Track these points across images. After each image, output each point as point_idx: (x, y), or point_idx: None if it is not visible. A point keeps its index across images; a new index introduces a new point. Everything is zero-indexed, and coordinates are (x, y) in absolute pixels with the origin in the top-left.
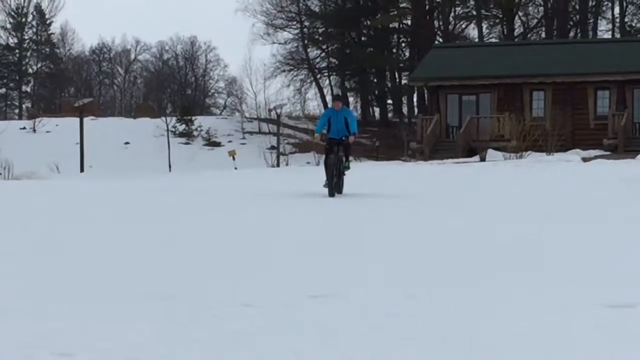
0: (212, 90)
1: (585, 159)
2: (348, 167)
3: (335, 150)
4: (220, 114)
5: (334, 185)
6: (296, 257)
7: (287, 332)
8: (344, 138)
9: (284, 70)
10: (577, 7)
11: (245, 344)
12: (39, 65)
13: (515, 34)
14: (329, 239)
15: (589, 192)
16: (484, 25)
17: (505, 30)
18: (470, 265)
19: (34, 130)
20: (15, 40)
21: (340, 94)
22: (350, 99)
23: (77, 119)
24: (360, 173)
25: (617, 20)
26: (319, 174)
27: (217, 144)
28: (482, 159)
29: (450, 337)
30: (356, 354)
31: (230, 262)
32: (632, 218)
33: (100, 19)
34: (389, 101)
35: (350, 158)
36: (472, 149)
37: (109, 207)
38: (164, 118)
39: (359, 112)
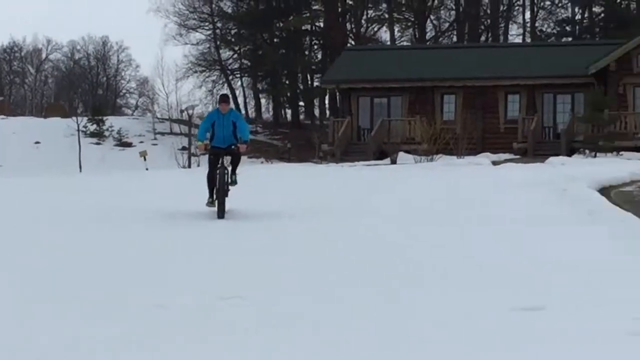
0: (124, 91)
1: (495, 163)
2: (234, 182)
3: (222, 161)
4: (132, 114)
5: (223, 204)
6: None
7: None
8: (232, 147)
9: (195, 71)
10: (489, 11)
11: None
12: None
13: (427, 37)
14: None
15: (493, 194)
16: (396, 28)
17: (417, 33)
18: (370, 268)
19: None
20: None
21: (228, 94)
22: (263, 101)
23: None
24: (264, 177)
25: (528, 24)
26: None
27: (129, 145)
28: (393, 162)
29: (347, 337)
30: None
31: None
32: (532, 221)
33: (11, 17)
34: (301, 103)
35: (238, 171)
36: (384, 152)
37: None
38: (74, 118)
39: (271, 113)
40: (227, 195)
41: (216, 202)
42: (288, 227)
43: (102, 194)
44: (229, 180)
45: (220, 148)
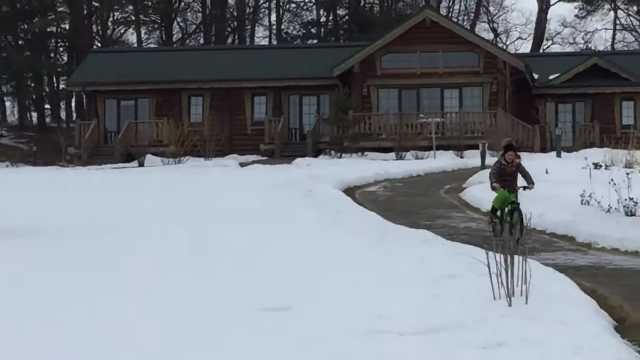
0: None
1: (243, 164)
2: None
3: None
4: None
5: None
6: None
7: None
8: None
9: None
10: (235, 14)
11: None
12: None
13: (175, 39)
14: None
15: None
16: (143, 31)
17: (164, 35)
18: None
19: None
20: None
21: None
22: (8, 104)
23: None
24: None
25: (275, 27)
26: None
27: None
28: (141, 165)
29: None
30: None
31: None
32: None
33: None
34: (47, 106)
35: None
36: (131, 155)
37: None
38: None
39: (17, 116)
40: None
41: None
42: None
43: None
44: None
45: None
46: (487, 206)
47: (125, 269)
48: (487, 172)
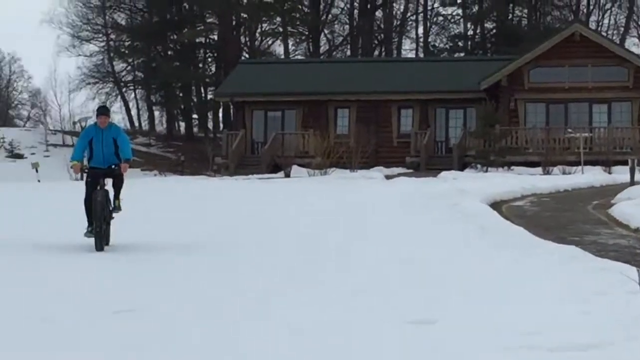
0: (16, 102)
1: (388, 177)
2: (118, 209)
3: (102, 183)
4: (24, 125)
5: (102, 233)
6: None
7: None
8: (113, 167)
9: (89, 83)
10: (382, 26)
11: None
12: None
13: (321, 51)
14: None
15: (387, 209)
16: (290, 42)
17: (311, 47)
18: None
19: None
20: None
21: (106, 105)
22: (156, 113)
23: None
24: (156, 194)
25: (421, 40)
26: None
27: (20, 156)
28: (287, 175)
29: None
30: None
31: None
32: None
33: None
34: (195, 116)
35: (122, 196)
36: (277, 165)
37: None
38: None
39: (165, 126)
40: (108, 224)
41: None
42: (184, 264)
43: None
44: (111, 206)
45: (100, 169)
46: (636, 223)
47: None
48: (637, 187)
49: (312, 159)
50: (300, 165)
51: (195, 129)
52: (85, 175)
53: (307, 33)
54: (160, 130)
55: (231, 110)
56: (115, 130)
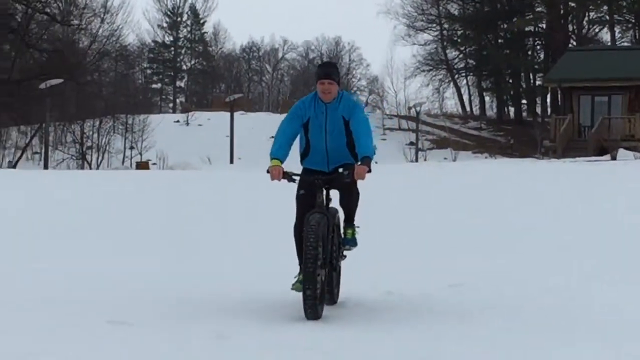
0: (355, 88)
1: None
2: (353, 243)
3: (320, 200)
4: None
5: (322, 288)
6: None
7: None
8: (341, 171)
9: (423, 70)
10: None
11: None
12: (192, 62)
13: None
14: None
15: None
16: (617, 30)
17: (637, 34)
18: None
19: (187, 124)
20: (171, 38)
21: (334, 62)
22: (487, 98)
23: (228, 114)
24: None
25: None
26: (447, 177)
27: None
28: (614, 158)
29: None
30: None
31: None
32: None
33: (250, 19)
34: (524, 101)
35: (358, 221)
36: (604, 148)
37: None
38: None
39: (495, 110)
40: (334, 269)
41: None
42: None
43: None
44: (338, 240)
45: (319, 173)
46: None
47: None
48: None
49: (638, 143)
50: (626, 148)
51: (524, 114)
52: (296, 183)
53: (633, 20)
54: (490, 115)
55: (559, 96)
56: (347, 105)
